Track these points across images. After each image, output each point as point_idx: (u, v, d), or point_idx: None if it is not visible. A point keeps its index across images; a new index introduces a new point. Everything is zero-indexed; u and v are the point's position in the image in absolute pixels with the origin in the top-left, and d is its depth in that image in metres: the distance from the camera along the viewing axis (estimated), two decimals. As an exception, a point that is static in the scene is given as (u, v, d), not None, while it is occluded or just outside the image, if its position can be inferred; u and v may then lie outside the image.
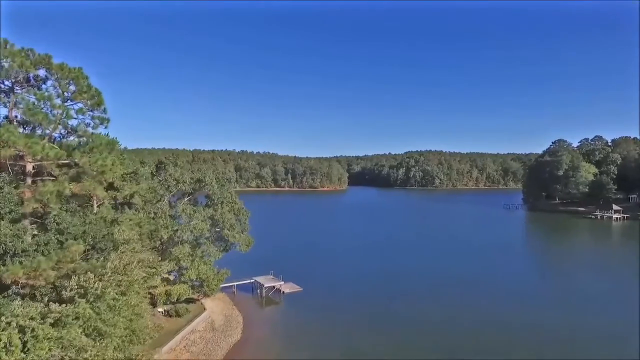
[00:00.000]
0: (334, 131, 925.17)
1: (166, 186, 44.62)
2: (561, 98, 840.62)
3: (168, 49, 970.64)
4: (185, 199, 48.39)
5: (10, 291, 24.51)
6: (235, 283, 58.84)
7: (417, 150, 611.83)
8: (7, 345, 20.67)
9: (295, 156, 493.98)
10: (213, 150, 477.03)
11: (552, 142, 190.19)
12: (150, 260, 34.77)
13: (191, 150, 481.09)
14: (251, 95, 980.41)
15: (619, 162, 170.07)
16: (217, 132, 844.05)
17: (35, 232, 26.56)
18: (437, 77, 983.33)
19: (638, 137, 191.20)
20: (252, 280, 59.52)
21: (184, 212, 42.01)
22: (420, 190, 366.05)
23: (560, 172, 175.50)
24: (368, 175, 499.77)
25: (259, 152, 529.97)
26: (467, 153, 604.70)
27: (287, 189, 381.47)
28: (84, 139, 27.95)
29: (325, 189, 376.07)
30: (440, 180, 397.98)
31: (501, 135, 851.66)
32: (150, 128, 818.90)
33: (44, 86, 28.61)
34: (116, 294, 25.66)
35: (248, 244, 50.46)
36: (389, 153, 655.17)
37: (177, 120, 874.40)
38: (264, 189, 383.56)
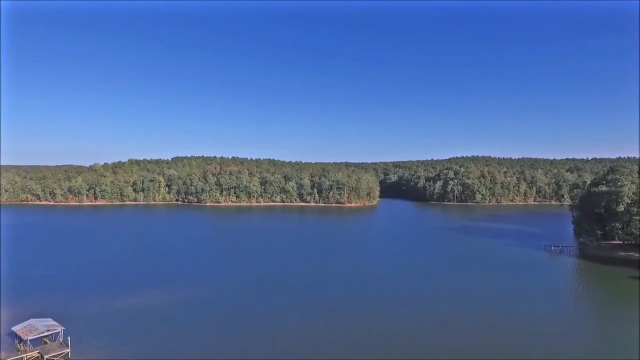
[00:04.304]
0: (375, 134, 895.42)
1: None
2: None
3: (200, 58, 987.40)
4: None
5: None
6: None
7: (462, 156, 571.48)
8: None
9: (324, 163, 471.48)
10: (242, 160, 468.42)
11: (609, 168, 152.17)
12: None
13: (229, 157, 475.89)
14: (283, 101, 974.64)
15: None
16: (247, 139, 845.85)
17: None
18: (482, 81, 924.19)
19: None
20: None
21: None
22: (458, 207, 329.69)
23: (621, 208, 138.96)
24: (405, 186, 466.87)
25: (290, 161, 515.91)
26: (517, 159, 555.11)
27: (313, 204, 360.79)
28: None
29: (353, 205, 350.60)
30: (482, 195, 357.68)
31: (556, 140, 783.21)
32: (180, 136, 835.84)
33: None
34: None
35: None
36: (432, 159, 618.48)
37: (208, 128, 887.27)
38: (289, 203, 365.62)
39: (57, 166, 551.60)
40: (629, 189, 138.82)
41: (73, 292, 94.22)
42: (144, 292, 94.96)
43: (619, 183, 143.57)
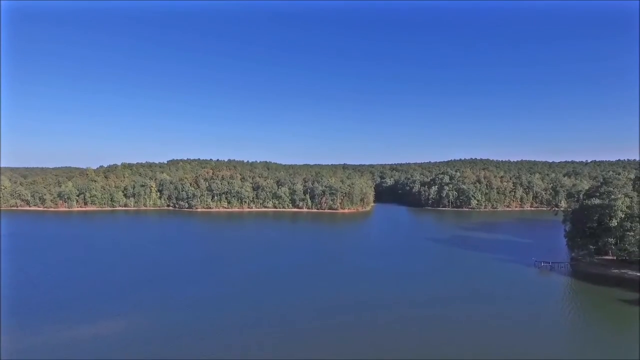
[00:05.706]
0: (373, 135, 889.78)
1: None
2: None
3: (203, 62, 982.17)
4: None
5: None
6: None
7: (459, 159, 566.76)
8: None
9: (322, 165, 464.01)
10: (237, 163, 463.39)
11: (603, 180, 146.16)
12: None
13: (225, 160, 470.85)
14: (281, 102, 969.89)
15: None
16: (246, 141, 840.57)
17: None
18: (482, 83, 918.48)
19: None
20: None
21: None
22: (453, 214, 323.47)
23: (614, 222, 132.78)
24: (401, 190, 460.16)
25: (287, 163, 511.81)
26: (515, 162, 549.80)
27: (305, 210, 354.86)
28: None
29: (346, 211, 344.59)
30: (478, 201, 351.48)
31: (555, 141, 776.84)
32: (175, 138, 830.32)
33: None
34: None
35: None
36: (429, 161, 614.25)
37: (207, 129, 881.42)
38: (282, 209, 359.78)
39: (55, 168, 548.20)
40: (622, 203, 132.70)
41: (26, 318, 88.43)
42: (103, 316, 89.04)
43: (613, 196, 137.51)
